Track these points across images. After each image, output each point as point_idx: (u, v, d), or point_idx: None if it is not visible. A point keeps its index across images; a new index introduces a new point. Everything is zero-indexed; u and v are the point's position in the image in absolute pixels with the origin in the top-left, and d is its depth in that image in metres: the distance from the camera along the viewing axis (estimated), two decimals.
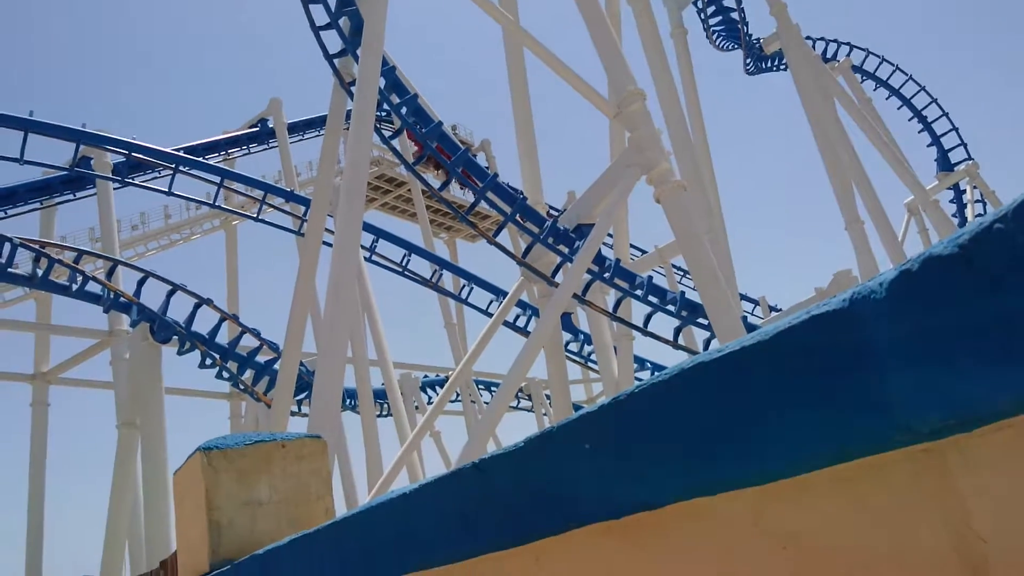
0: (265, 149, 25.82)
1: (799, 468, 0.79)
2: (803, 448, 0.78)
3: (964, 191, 26.17)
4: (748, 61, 23.59)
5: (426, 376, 25.60)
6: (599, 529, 1.08)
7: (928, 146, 26.54)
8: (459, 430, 40.01)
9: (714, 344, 15.31)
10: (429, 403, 23.19)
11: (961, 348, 0.61)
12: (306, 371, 17.36)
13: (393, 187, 30.12)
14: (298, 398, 18.32)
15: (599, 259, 15.01)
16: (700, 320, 15.19)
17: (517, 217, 14.99)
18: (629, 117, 12.84)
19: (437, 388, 25.40)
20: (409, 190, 28.76)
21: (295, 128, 26.05)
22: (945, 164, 26.02)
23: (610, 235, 18.45)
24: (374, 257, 19.39)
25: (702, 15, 21.49)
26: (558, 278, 15.26)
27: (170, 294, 16.06)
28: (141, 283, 16.19)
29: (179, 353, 16.26)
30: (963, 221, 25.31)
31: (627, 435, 0.96)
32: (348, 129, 15.53)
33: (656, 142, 12.91)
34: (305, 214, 17.80)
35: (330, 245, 16.66)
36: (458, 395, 23.88)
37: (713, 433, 0.86)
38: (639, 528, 1.03)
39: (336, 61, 15.41)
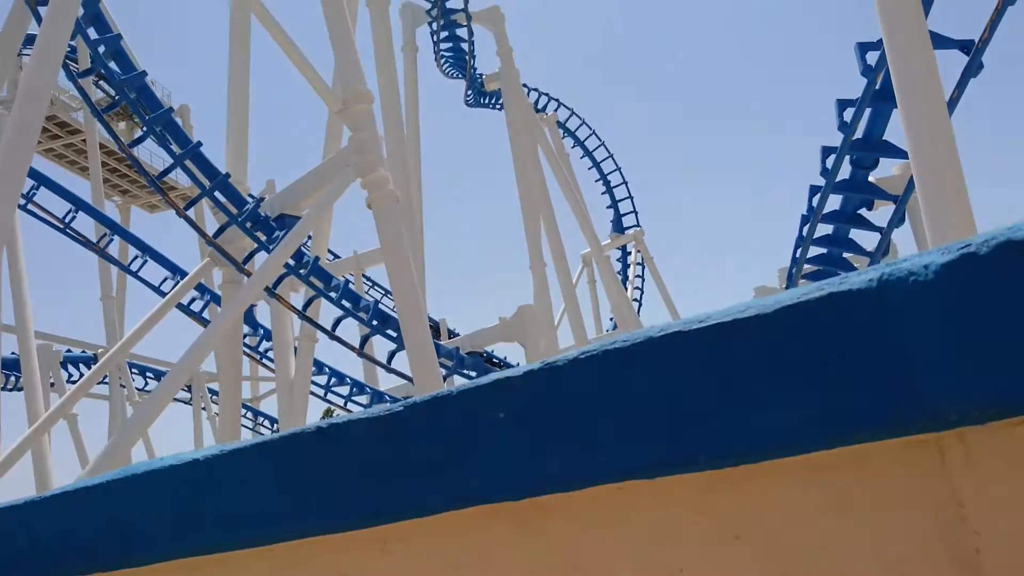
0: None
1: (780, 452, 0.75)
2: (792, 432, 0.73)
3: (630, 252, 29.71)
4: (469, 93, 24.56)
5: (69, 351, 22.57)
6: (483, 512, 0.94)
7: (607, 207, 29.80)
8: (96, 416, 35.83)
9: (401, 356, 15.45)
10: (70, 382, 20.46)
11: None
12: None
13: (65, 133, 26.42)
14: None
15: (298, 254, 14.45)
16: (389, 332, 15.26)
17: (215, 194, 13.91)
18: (354, 116, 12.61)
19: (81, 366, 22.53)
20: (84, 140, 25.40)
21: None
22: (618, 226, 29.35)
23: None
24: (30, 207, 16.74)
25: (435, 37, 21.94)
26: (248, 266, 14.43)
27: None
28: None
29: None
30: (625, 278, 28.66)
31: (563, 406, 0.85)
32: (27, 55, 13.30)
33: (377, 147, 12.83)
34: None
35: None
36: (105, 377, 21.37)
37: (682, 410, 0.78)
38: (540, 512, 0.92)
39: None
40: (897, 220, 12.35)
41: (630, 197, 29.38)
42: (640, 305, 28.63)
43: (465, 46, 22.34)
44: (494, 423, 0.89)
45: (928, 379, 0.66)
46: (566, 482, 0.86)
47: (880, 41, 9.28)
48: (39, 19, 12.40)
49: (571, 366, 0.85)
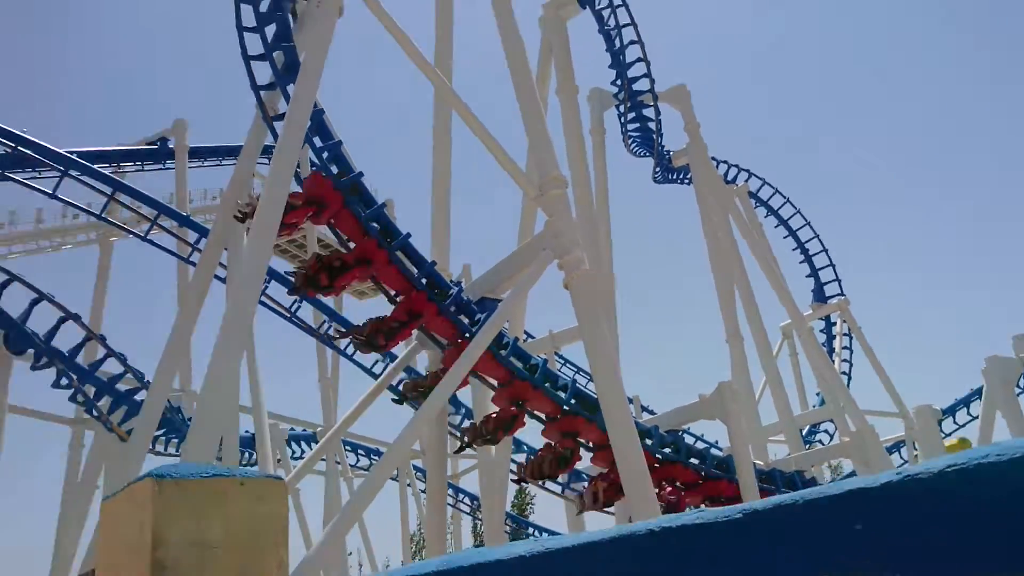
0: (160, 169, 24.67)
1: None
2: None
3: (835, 323, 28.12)
4: (657, 170, 24.71)
5: (292, 429, 24.49)
6: None
7: (807, 276, 28.50)
8: (313, 489, 38.32)
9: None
10: (294, 458, 22.17)
11: None
12: (168, 406, 16.24)
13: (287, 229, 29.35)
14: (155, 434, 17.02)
15: (499, 335, 14.95)
16: (585, 412, 15.28)
17: (422, 280, 14.80)
18: (550, 201, 13.08)
19: (302, 443, 24.34)
20: (304, 236, 28.07)
21: (197, 153, 25.08)
22: (820, 296, 27.92)
23: None
24: (262, 298, 18.63)
25: (622, 119, 22.44)
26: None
27: (34, 303, 14.75)
28: (3, 286, 14.81)
29: (33, 368, 14.85)
30: (831, 350, 27.04)
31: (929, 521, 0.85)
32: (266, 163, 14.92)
33: (573, 229, 13.17)
34: (198, 242, 16.95)
35: (221, 279, 15.87)
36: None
37: None
38: None
39: (263, 93, 15.04)
40: None
41: (831, 265, 27.98)
42: (849, 379, 26.83)
43: (652, 125, 22.62)
44: (850, 533, 0.91)
45: None
46: None
47: None
48: (274, 133, 14.05)
49: (936, 477, 0.86)
